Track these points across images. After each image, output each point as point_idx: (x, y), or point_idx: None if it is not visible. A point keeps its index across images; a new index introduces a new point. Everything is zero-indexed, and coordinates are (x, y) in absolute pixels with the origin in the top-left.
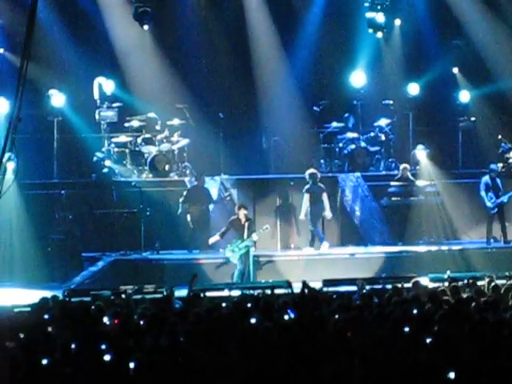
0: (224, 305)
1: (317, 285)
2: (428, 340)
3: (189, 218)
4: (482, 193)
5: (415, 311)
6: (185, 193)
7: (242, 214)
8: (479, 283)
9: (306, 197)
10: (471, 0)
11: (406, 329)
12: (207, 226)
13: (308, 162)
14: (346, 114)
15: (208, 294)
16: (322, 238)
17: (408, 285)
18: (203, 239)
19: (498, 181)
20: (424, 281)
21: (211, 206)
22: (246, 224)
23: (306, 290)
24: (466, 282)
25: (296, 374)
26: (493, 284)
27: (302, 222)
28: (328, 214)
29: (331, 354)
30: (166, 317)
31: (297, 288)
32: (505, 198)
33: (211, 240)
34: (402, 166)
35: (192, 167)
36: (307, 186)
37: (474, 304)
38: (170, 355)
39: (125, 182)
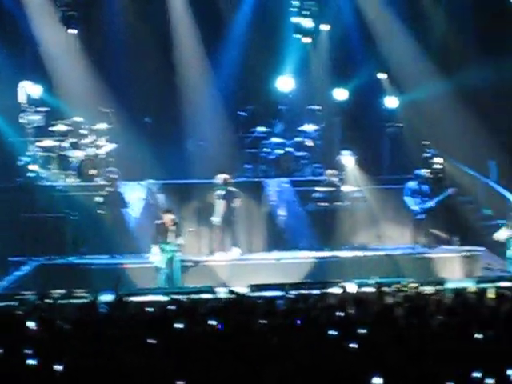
0: (150, 309)
1: (243, 290)
2: (353, 345)
3: (105, 222)
4: (406, 198)
5: (341, 316)
6: (99, 197)
7: (167, 218)
8: (405, 288)
9: (220, 202)
10: (397, 7)
11: (332, 334)
12: (125, 230)
13: (233, 166)
14: (275, 120)
15: (134, 298)
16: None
17: (334, 290)
18: (123, 244)
19: (425, 186)
20: (351, 286)
21: (131, 211)
22: (173, 228)
23: (232, 295)
24: (392, 287)
25: (225, 380)
26: (419, 289)
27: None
28: (215, 219)
29: (257, 360)
30: (91, 321)
31: (223, 293)
32: (432, 203)
33: (153, 250)
34: (328, 172)
35: (118, 172)
36: (220, 192)
37: (399, 309)
38: (95, 360)
39: (50, 187)
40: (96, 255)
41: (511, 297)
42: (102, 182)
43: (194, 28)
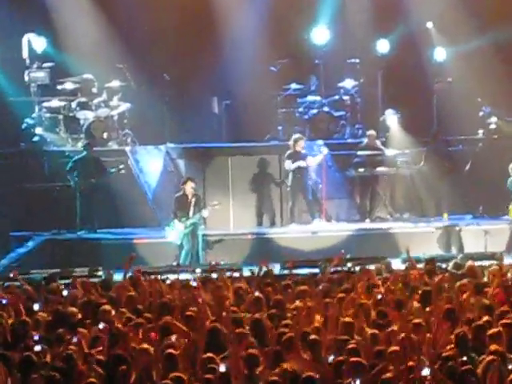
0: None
1: (275, 266)
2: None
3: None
4: None
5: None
6: (70, 164)
7: (188, 188)
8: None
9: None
10: None
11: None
12: (141, 201)
13: (264, 128)
14: (310, 76)
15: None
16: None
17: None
18: (138, 216)
19: None
20: (395, 263)
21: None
22: (193, 200)
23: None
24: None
25: None
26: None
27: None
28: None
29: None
30: (101, 303)
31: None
32: None
33: (172, 225)
34: (369, 133)
35: (133, 135)
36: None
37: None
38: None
39: (58, 152)
40: (109, 229)
41: None
42: (115, 147)
43: None
